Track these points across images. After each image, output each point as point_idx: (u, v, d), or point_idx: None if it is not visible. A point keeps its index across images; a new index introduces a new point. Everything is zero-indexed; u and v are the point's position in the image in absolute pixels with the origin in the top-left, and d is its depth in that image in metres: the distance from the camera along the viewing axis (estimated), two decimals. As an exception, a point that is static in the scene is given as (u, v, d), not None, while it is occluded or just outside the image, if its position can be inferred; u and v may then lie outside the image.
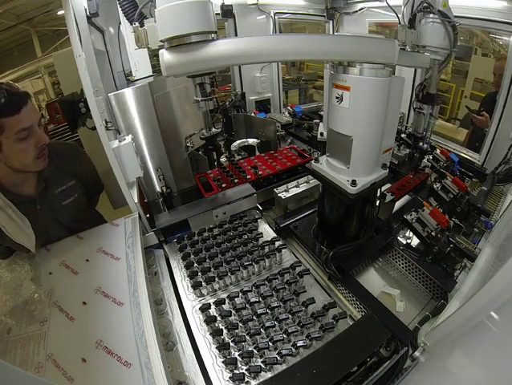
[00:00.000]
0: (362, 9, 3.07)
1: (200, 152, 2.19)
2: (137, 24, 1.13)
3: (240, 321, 1.14)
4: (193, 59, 0.95)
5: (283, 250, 1.43)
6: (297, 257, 1.50)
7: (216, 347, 1.06)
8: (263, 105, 3.35)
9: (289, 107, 3.14)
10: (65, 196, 1.40)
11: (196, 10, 0.91)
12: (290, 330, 1.07)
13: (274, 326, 1.10)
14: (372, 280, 1.43)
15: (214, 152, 2.11)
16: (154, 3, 0.98)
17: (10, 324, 1.00)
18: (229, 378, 0.98)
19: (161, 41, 0.98)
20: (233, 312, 1.18)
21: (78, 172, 1.48)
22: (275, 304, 1.16)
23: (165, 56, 0.94)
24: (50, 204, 1.33)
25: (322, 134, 2.03)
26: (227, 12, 2.69)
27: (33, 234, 1.22)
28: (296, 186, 1.89)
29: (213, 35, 0.97)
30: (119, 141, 1.45)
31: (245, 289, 1.23)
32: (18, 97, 1.15)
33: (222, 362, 1.02)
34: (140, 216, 1.47)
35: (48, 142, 1.25)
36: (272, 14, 3.04)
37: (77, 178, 1.47)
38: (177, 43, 0.94)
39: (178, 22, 0.91)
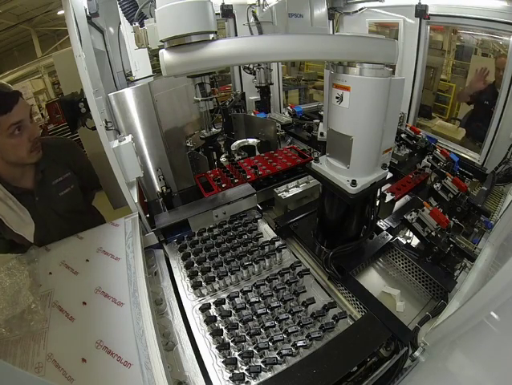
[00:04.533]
0: (362, 9, 3.07)
1: (200, 152, 2.19)
2: (137, 24, 1.14)
3: (240, 321, 1.14)
4: (192, 59, 0.95)
5: (283, 250, 1.43)
6: (297, 257, 1.50)
7: (216, 347, 1.06)
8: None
9: (289, 107, 3.14)
10: (62, 188, 1.47)
11: (196, 10, 0.92)
12: (290, 330, 1.07)
13: (274, 326, 1.10)
14: (372, 280, 1.43)
15: (214, 152, 2.11)
16: (154, 3, 0.98)
17: (4, 334, 0.99)
18: (229, 378, 0.98)
19: (161, 41, 0.99)
20: (233, 312, 1.18)
21: (73, 165, 1.56)
22: (275, 304, 1.16)
23: (165, 56, 0.94)
24: (47, 196, 1.39)
25: (322, 134, 2.04)
26: (227, 12, 2.70)
27: (32, 224, 1.28)
28: (296, 186, 1.89)
29: (212, 35, 0.97)
30: (119, 141, 1.45)
31: (245, 289, 1.23)
32: (10, 96, 1.24)
33: (222, 362, 1.02)
34: (140, 216, 1.47)
35: (40, 135, 1.34)
36: (272, 14, 3.04)
37: (72, 170, 1.54)
38: (177, 43, 0.95)
39: (178, 22, 0.92)
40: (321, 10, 1.94)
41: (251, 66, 2.71)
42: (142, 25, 1.14)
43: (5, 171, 1.26)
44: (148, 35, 1.13)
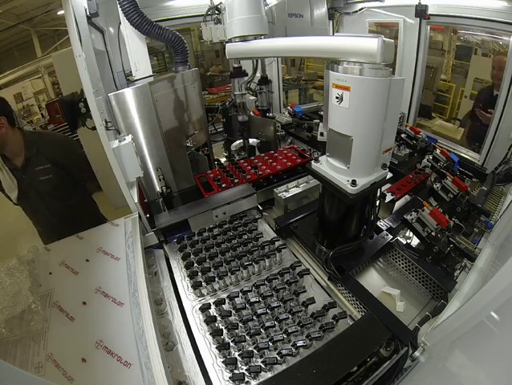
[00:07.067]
0: (362, 9, 3.07)
1: (200, 152, 2.20)
2: (203, 24, 1.88)
3: (240, 321, 1.14)
4: (246, 50, 1.53)
5: (283, 250, 1.43)
6: (297, 257, 1.50)
7: (216, 347, 1.06)
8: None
9: (289, 107, 3.14)
10: (41, 174, 1.83)
11: (256, 21, 1.54)
12: (290, 330, 1.07)
13: (274, 326, 1.10)
14: (372, 280, 1.43)
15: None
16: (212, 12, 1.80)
17: (4, 334, 0.99)
18: (229, 378, 0.98)
19: (229, 39, 1.62)
20: (233, 312, 1.18)
21: (55, 160, 1.86)
22: (275, 304, 1.16)
23: (229, 47, 1.60)
24: (31, 177, 1.82)
25: (322, 134, 2.03)
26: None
27: (16, 190, 1.81)
28: (296, 186, 1.89)
29: (262, 37, 1.57)
30: (119, 141, 1.45)
31: (245, 289, 1.23)
32: None
33: (222, 362, 1.02)
34: (140, 216, 1.47)
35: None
36: (273, 14, 3.05)
37: (53, 163, 1.85)
38: (240, 40, 1.56)
39: (244, 28, 1.54)
40: (321, 10, 2.00)
41: (253, 88, 2.73)
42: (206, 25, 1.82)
43: (5, 152, 1.75)
44: (212, 33, 1.81)
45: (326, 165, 1.34)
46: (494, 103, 2.34)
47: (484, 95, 2.82)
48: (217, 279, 1.29)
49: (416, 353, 1.07)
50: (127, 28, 1.75)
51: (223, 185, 1.83)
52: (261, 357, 1.04)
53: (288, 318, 1.12)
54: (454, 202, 1.71)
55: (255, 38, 1.55)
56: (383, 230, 1.57)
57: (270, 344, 1.05)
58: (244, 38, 1.57)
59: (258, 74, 2.72)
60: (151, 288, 1.22)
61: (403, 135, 2.30)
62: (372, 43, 0.93)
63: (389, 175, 1.40)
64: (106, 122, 1.35)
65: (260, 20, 1.57)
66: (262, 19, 1.59)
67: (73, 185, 2.01)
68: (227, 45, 1.64)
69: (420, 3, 2.51)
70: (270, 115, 2.96)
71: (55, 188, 1.90)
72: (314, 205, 1.69)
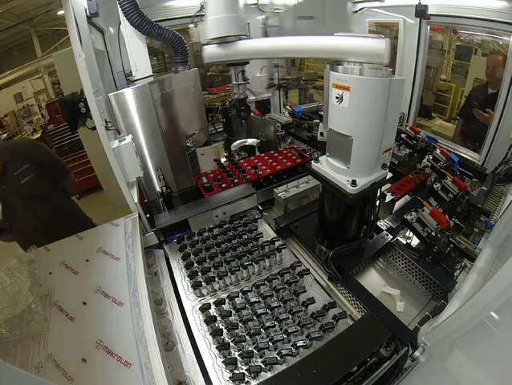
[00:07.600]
0: (362, 9, 3.07)
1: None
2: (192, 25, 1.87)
3: (240, 321, 1.14)
4: (227, 53, 1.42)
5: (283, 250, 1.43)
6: (297, 257, 1.50)
7: (216, 347, 1.06)
8: (263, 105, 3.34)
9: (289, 107, 3.13)
10: (22, 177, 1.79)
11: (233, 21, 1.39)
12: (290, 330, 1.07)
13: (274, 326, 1.10)
14: (372, 280, 1.43)
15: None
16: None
17: (4, 334, 0.99)
18: (229, 378, 0.98)
19: (208, 40, 1.45)
20: (233, 312, 1.18)
21: (32, 159, 1.85)
22: (275, 304, 1.16)
23: (207, 49, 1.45)
24: (10, 183, 1.78)
25: (322, 134, 2.03)
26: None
27: None
28: (296, 186, 1.89)
29: (243, 37, 1.44)
30: (119, 141, 1.45)
31: (245, 289, 1.23)
32: None
33: (222, 362, 1.02)
34: (140, 216, 1.47)
35: None
36: (272, 14, 3.04)
37: (31, 163, 1.83)
38: (220, 41, 1.41)
39: (221, 28, 1.39)
40: (341, 9, 1.95)
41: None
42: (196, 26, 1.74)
43: None
44: (200, 34, 1.74)
45: (326, 165, 1.34)
46: (493, 102, 2.35)
47: (478, 94, 2.82)
48: (217, 279, 1.29)
49: (416, 353, 1.06)
50: (127, 28, 1.75)
51: (223, 185, 1.83)
52: (261, 357, 1.04)
53: (288, 318, 1.12)
54: (454, 202, 1.71)
55: (234, 41, 1.41)
56: (383, 230, 1.57)
57: (270, 344, 1.05)
58: (222, 40, 1.41)
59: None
60: (151, 288, 1.23)
61: (403, 135, 2.30)
62: (380, 44, 0.93)
63: (389, 175, 1.40)
64: (106, 122, 1.35)
65: (235, 19, 1.40)
66: (238, 18, 1.42)
67: (54, 185, 2.00)
68: (203, 47, 1.47)
69: (420, 3, 2.51)
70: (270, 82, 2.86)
71: (38, 188, 1.86)
72: (314, 205, 1.69)
